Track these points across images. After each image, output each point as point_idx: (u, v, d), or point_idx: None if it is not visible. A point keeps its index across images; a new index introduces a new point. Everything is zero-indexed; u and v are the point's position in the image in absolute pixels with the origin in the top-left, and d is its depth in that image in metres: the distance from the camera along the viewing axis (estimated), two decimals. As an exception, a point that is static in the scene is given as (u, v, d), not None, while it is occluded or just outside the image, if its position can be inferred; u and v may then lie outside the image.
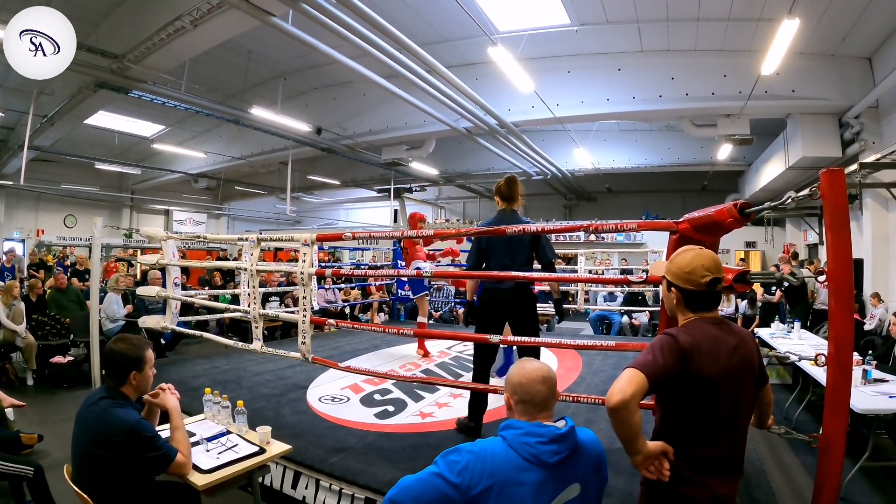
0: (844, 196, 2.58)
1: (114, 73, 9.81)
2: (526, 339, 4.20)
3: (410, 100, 11.15)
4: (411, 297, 8.53)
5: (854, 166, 9.29)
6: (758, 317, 10.54)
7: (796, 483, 4.71)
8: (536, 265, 4.69)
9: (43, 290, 9.45)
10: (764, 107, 10.86)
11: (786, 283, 3.27)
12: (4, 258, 15.07)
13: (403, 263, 8.47)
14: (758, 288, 10.89)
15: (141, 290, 7.00)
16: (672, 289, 2.21)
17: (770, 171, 13.72)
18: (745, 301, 10.82)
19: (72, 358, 7.96)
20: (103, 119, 15.33)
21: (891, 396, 4.63)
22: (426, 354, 7.84)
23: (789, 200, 2.72)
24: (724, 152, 13.94)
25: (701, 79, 10.98)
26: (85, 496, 2.52)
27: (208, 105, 12.50)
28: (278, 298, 11.08)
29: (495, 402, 5.15)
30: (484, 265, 4.62)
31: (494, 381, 6.30)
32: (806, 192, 2.64)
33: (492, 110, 11.59)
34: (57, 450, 5.09)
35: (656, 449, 2.02)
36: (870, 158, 9.55)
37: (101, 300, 7.95)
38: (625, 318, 11.78)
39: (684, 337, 2.05)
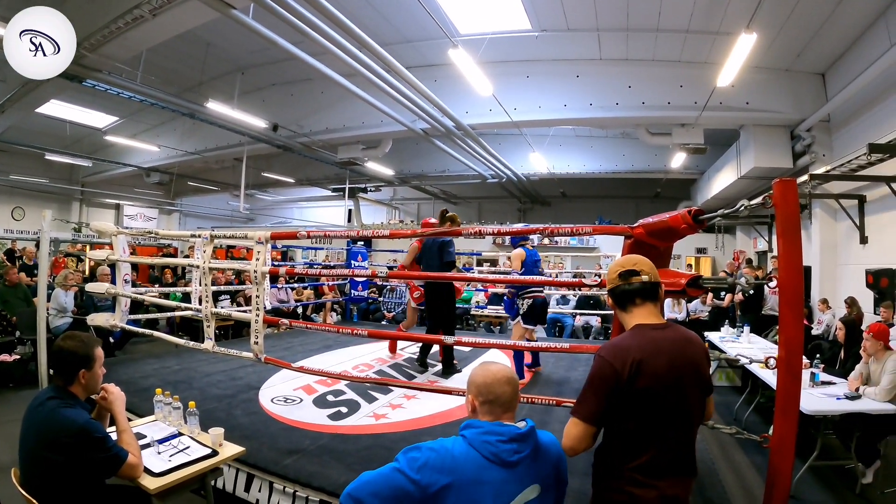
0: (796, 205, 2.64)
1: (68, 60, 9.57)
2: (482, 339, 4.22)
3: (368, 99, 11.10)
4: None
5: (805, 177, 9.53)
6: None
7: (747, 482, 4.82)
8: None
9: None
10: (718, 117, 11.10)
11: (746, 290, 3.34)
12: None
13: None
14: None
15: (90, 287, 6.84)
16: (609, 299, 2.33)
17: (722, 179, 14.00)
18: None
19: (18, 356, 7.72)
20: (55, 108, 14.94)
21: (837, 398, 4.82)
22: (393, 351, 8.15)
23: (742, 208, 2.78)
24: (678, 161, 14.19)
25: (658, 88, 11.16)
26: (33, 500, 2.44)
27: (164, 97, 12.23)
28: (229, 297, 10.93)
29: (455, 402, 5.19)
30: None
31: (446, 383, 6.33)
32: (759, 200, 2.70)
33: (449, 112, 11.60)
34: (3, 452, 4.91)
35: None
36: (820, 170, 9.80)
37: (49, 297, 7.75)
38: (577, 321, 11.91)
39: (619, 353, 2.08)
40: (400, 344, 8.43)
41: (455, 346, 6.94)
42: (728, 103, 10.63)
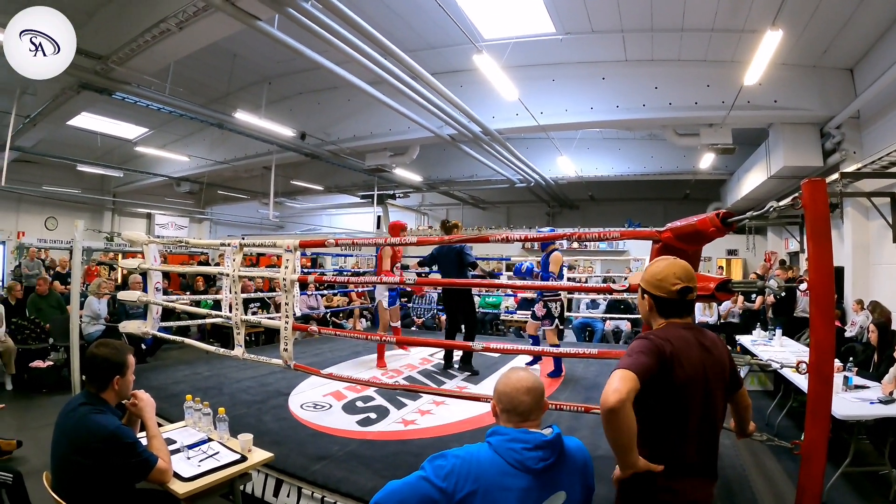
0: (825, 206, 2.61)
1: (97, 74, 9.70)
2: (510, 346, 4.21)
3: (395, 106, 11.13)
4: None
5: (835, 176, 9.35)
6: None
7: (779, 489, 4.75)
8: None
9: (22, 293, 9.38)
10: (746, 117, 10.94)
11: (777, 293, 3.29)
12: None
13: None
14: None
15: (122, 295, 6.93)
16: (645, 296, 2.29)
17: (752, 180, 13.82)
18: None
19: (51, 362, 7.86)
20: (86, 121, 15.17)
21: (871, 402, 4.70)
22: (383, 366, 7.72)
23: (771, 210, 2.74)
24: (707, 161, 14.03)
25: (684, 88, 11.05)
26: (64, 504, 2.49)
27: (192, 108, 12.39)
28: (259, 304, 11.02)
29: (484, 408, 5.17)
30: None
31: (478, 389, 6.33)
32: (787, 201, 2.66)
33: (476, 118, 11.59)
34: (36, 456, 5.03)
35: (647, 466, 2.04)
36: (851, 168, 9.63)
37: (82, 305, 7.88)
38: (607, 326, 11.83)
39: (658, 340, 2.10)
40: (429, 350, 8.45)
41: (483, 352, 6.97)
42: (756, 102, 10.49)
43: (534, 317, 7.35)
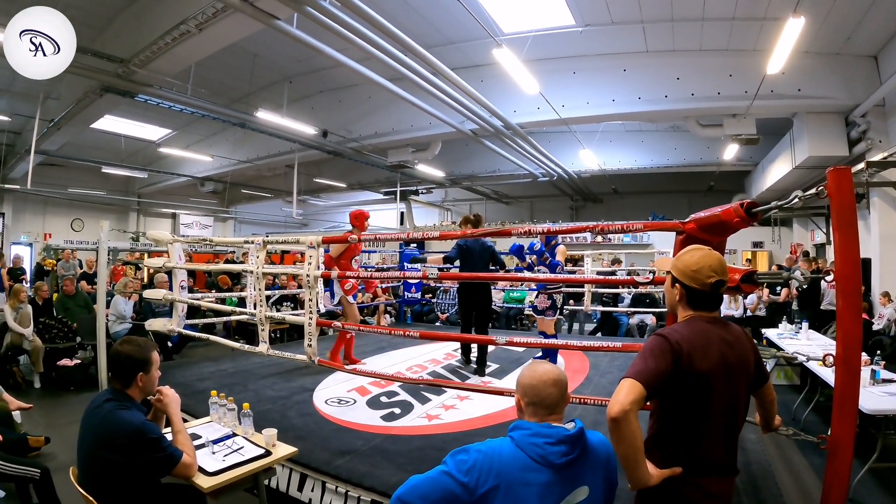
0: (851, 195, 2.56)
1: (119, 77, 9.83)
2: (533, 340, 4.20)
3: (416, 102, 11.15)
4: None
5: (861, 165, 9.23)
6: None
7: (805, 484, 4.68)
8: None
9: (49, 293, 9.50)
10: (770, 106, 10.83)
11: (802, 284, 3.23)
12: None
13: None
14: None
15: (148, 294, 7.00)
16: (676, 284, 2.21)
17: (776, 170, 13.67)
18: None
19: (79, 361, 7.95)
20: (110, 123, 15.39)
21: (899, 397, 4.59)
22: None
23: (796, 200, 2.70)
24: (731, 152, 13.90)
25: (706, 79, 10.95)
26: (91, 498, 2.51)
27: (214, 109, 12.52)
28: (291, 303, 11.08)
29: (508, 403, 5.16)
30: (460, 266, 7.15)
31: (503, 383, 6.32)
32: (813, 191, 2.61)
33: (497, 112, 11.58)
34: (64, 452, 5.08)
35: (661, 477, 2.00)
36: (877, 157, 9.50)
37: (108, 304, 7.96)
38: (632, 320, 11.74)
39: (675, 335, 2.06)
40: (453, 345, 8.45)
41: (505, 347, 6.92)
42: (779, 91, 10.37)
43: (536, 311, 7.24)
